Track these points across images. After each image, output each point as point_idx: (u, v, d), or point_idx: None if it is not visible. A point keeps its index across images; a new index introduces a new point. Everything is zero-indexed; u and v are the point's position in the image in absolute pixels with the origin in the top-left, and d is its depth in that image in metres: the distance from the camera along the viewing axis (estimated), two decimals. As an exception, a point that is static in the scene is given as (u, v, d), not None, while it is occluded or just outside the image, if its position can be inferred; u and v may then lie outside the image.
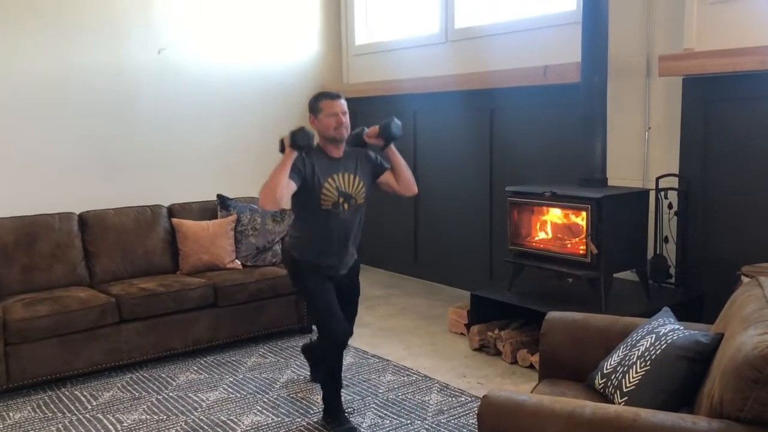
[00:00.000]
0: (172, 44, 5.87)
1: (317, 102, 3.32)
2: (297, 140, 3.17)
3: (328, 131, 3.28)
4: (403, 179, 3.47)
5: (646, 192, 4.34)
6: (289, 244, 3.52)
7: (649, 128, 4.58)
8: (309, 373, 4.05)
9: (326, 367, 3.46)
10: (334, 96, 3.32)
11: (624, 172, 4.66)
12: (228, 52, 6.20)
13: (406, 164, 3.48)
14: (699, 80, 4.19)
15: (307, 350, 4.02)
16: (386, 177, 3.47)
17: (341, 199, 3.30)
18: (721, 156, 4.20)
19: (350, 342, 4.55)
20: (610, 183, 4.44)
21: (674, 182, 4.37)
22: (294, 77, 6.66)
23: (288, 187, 3.15)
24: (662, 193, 4.36)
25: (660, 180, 4.36)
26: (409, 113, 6.25)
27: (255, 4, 6.34)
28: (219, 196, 5.13)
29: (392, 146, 3.43)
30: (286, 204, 3.21)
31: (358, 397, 3.79)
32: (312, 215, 3.31)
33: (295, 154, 3.19)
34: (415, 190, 3.54)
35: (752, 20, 3.92)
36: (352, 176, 3.34)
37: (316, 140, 3.32)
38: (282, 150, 3.26)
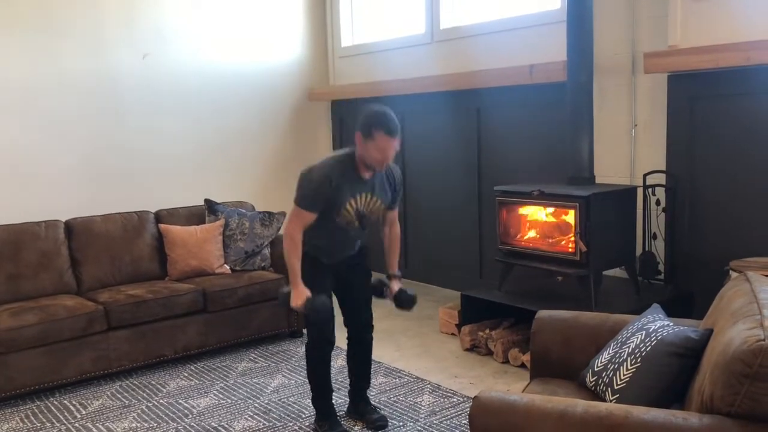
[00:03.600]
0: (156, 50, 5.83)
1: (373, 129, 3.03)
2: (317, 308, 3.17)
3: (370, 161, 3.09)
4: (391, 237, 3.50)
5: (634, 189, 4.35)
6: None
7: (636, 125, 4.60)
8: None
9: (310, 369, 3.45)
10: (392, 131, 3.04)
11: (611, 169, 4.67)
12: (213, 56, 6.17)
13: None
14: (684, 77, 4.21)
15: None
16: (389, 214, 3.43)
17: (356, 218, 3.24)
18: (707, 152, 4.22)
19: (341, 345, 4.55)
20: (597, 181, 4.46)
21: (662, 179, 4.38)
22: (280, 80, 6.64)
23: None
24: (650, 190, 4.37)
25: (647, 177, 4.37)
26: (397, 114, 6.20)
27: (239, 7, 6.32)
28: (207, 200, 5.10)
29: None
30: None
31: (350, 400, 3.77)
32: (324, 224, 3.20)
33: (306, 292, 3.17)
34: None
35: (736, 16, 3.94)
36: (372, 197, 3.25)
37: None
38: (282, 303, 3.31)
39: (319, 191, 3.11)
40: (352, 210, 3.21)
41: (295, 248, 3.17)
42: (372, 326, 3.54)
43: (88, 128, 5.52)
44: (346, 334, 3.55)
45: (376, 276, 3.51)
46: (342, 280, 3.42)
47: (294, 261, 3.18)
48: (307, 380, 3.52)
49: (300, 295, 3.16)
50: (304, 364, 4.05)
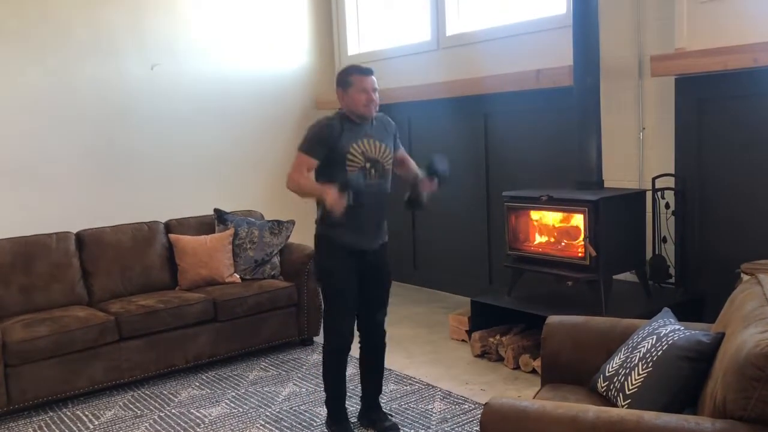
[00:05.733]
0: (164, 60, 5.88)
1: (348, 76, 3.19)
2: (352, 191, 3.05)
3: (357, 107, 3.16)
4: (405, 169, 3.49)
5: (643, 193, 4.34)
6: (320, 227, 3.33)
7: (644, 129, 4.58)
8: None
9: (324, 372, 3.45)
10: (365, 71, 3.19)
11: (620, 173, 4.66)
12: (221, 65, 6.21)
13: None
14: (691, 79, 4.20)
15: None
16: (398, 154, 3.43)
17: (368, 164, 3.20)
18: (716, 154, 4.20)
19: (353, 354, 4.55)
20: (606, 185, 4.44)
21: (670, 182, 4.37)
22: (288, 89, 6.67)
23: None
24: (659, 194, 4.36)
25: (656, 180, 4.36)
26: (404, 121, 6.26)
27: (247, 17, 6.36)
28: (216, 210, 5.12)
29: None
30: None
31: (361, 407, 3.76)
32: (341, 179, 3.14)
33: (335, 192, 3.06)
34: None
35: (743, 18, 3.93)
36: (377, 142, 3.25)
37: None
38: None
39: (320, 134, 3.18)
40: (359, 154, 3.19)
41: (302, 180, 3.18)
42: (385, 331, 3.53)
43: (97, 139, 5.57)
44: (358, 341, 3.54)
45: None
46: (361, 277, 3.35)
47: (306, 183, 3.17)
48: (319, 387, 3.50)
49: (330, 194, 3.04)
50: (315, 372, 4.06)
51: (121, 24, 5.66)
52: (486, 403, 2.17)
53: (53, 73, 5.34)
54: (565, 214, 4.28)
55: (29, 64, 5.24)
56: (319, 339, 3.94)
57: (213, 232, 5.01)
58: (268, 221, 5.12)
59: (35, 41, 5.25)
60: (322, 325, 3.54)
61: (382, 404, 3.65)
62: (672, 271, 4.41)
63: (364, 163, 3.20)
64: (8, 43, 5.14)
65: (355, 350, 3.51)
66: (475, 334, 4.52)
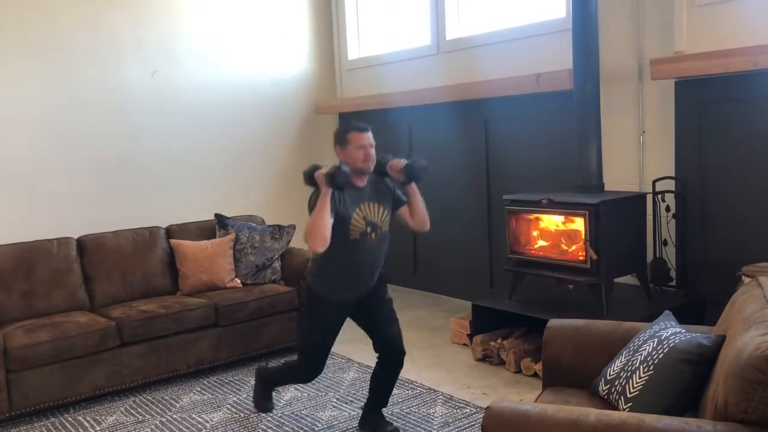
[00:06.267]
0: (165, 65, 5.89)
1: (346, 134, 3.27)
2: (337, 181, 3.11)
3: (355, 163, 3.23)
4: (418, 216, 3.43)
5: (643, 196, 4.34)
6: (313, 281, 3.42)
7: (644, 132, 4.59)
8: (253, 398, 3.98)
9: (278, 378, 3.75)
10: (362, 128, 3.27)
11: (620, 176, 4.66)
12: (221, 71, 6.22)
13: (423, 202, 3.43)
14: (691, 82, 4.21)
15: (262, 373, 3.90)
16: (402, 210, 3.45)
17: (369, 229, 3.29)
18: (716, 157, 4.21)
19: (354, 357, 4.57)
20: (606, 188, 4.45)
21: (671, 185, 4.37)
22: (288, 93, 6.68)
23: (330, 224, 3.13)
24: (659, 197, 4.36)
25: (657, 183, 4.36)
26: (404, 125, 6.27)
27: (247, 22, 6.37)
28: (217, 215, 5.13)
29: (413, 184, 3.37)
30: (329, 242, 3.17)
31: (363, 413, 3.76)
32: (340, 246, 3.24)
33: (330, 192, 3.13)
34: (428, 227, 3.48)
35: (742, 21, 3.94)
36: (376, 205, 3.33)
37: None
38: (308, 183, 3.25)
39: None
40: (361, 218, 3.26)
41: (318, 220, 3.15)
42: (404, 351, 3.50)
43: (98, 144, 5.57)
44: (376, 355, 3.53)
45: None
46: (365, 313, 3.46)
47: (312, 216, 3.15)
48: (320, 391, 3.50)
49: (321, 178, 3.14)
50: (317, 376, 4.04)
51: (122, 31, 5.66)
52: (487, 407, 2.17)
53: (54, 79, 5.35)
54: (566, 218, 4.28)
55: (31, 71, 5.24)
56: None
57: (214, 237, 5.02)
58: (269, 226, 5.12)
59: (35, 48, 5.26)
60: (297, 354, 3.60)
61: (383, 409, 3.65)
62: (673, 273, 4.41)
63: (365, 228, 3.28)
64: (7, 52, 5.15)
65: (370, 359, 3.49)
66: (477, 338, 4.52)
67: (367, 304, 3.44)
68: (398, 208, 3.44)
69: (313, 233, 3.09)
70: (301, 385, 4.22)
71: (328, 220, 3.11)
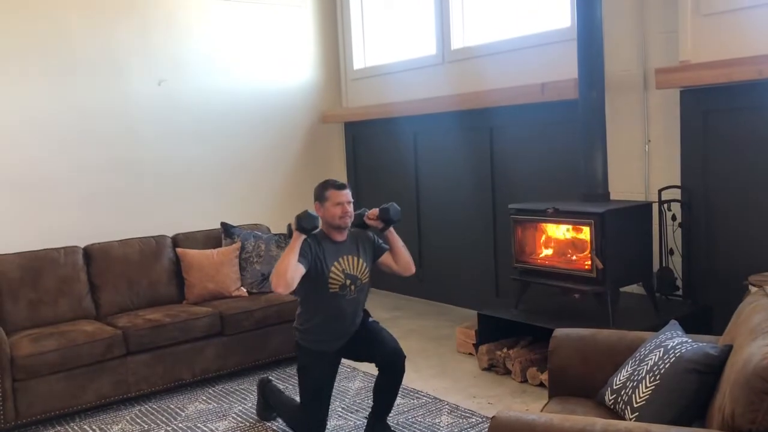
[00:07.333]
0: (171, 76, 5.92)
1: (324, 191, 3.40)
2: (302, 223, 3.27)
3: (333, 220, 3.37)
4: (402, 261, 3.57)
5: (649, 205, 4.33)
6: (300, 336, 3.54)
7: (649, 141, 4.59)
8: (256, 408, 3.99)
9: (283, 415, 3.74)
10: (339, 186, 3.40)
11: (626, 185, 4.66)
12: (227, 81, 6.25)
13: (404, 246, 3.58)
14: (696, 92, 4.21)
15: (264, 388, 3.92)
16: (385, 258, 3.57)
17: (348, 281, 3.38)
18: (722, 166, 4.20)
19: (359, 367, 4.55)
20: (612, 197, 4.44)
21: (677, 194, 4.37)
22: (294, 103, 6.71)
23: (297, 270, 3.23)
24: (665, 206, 4.35)
25: (662, 192, 4.36)
26: (409, 135, 6.28)
27: (252, 32, 6.40)
28: (223, 224, 5.14)
29: (391, 229, 3.54)
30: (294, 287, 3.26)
31: (367, 422, 3.75)
32: (320, 300, 3.38)
33: (301, 237, 3.28)
34: (413, 270, 3.62)
35: (747, 30, 3.95)
36: (356, 258, 3.43)
37: (320, 223, 3.41)
38: (290, 235, 3.33)
39: (304, 247, 3.29)
40: (340, 271, 3.36)
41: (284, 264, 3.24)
42: (404, 354, 3.50)
43: (105, 154, 5.60)
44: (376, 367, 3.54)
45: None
46: (357, 348, 3.51)
47: (288, 254, 3.24)
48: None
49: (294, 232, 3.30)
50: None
51: (130, 41, 5.70)
52: (493, 417, 2.16)
53: (62, 89, 5.38)
54: (572, 227, 4.28)
55: (38, 80, 5.28)
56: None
57: (220, 245, 5.03)
58: (275, 235, 5.13)
59: (41, 58, 5.30)
60: (297, 411, 3.61)
61: (390, 417, 3.64)
62: (679, 283, 4.39)
63: (344, 281, 3.37)
64: (15, 62, 5.19)
65: (374, 368, 3.52)
66: (482, 347, 4.51)
67: (355, 340, 3.50)
68: (381, 256, 3.56)
69: (277, 275, 3.22)
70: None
71: (294, 264, 3.22)
